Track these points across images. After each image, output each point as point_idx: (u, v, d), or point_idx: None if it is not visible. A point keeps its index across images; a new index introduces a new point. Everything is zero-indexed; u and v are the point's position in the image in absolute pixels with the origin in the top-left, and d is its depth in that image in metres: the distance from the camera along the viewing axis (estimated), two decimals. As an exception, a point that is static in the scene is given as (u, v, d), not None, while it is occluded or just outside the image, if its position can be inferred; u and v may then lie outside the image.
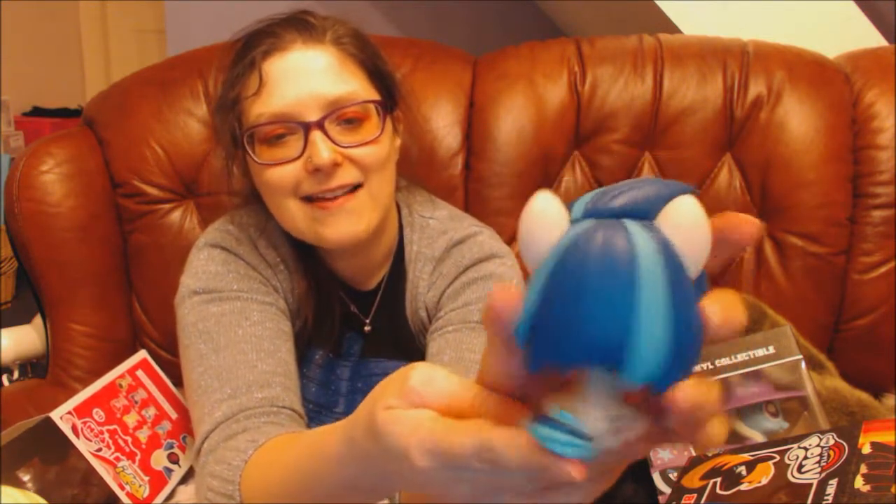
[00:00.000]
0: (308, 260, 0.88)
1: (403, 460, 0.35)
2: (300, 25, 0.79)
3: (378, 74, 0.83)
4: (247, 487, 0.66)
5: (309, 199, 0.78)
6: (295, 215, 0.80)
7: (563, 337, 0.29)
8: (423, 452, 0.34)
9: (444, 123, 1.18)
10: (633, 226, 0.28)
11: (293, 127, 0.77)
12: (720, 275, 1.18)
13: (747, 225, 0.30)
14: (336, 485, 0.47)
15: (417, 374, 0.36)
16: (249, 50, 0.79)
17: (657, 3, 1.42)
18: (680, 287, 0.28)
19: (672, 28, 1.43)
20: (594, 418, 0.30)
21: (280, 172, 0.77)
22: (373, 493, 0.46)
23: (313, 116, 0.76)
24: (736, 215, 0.31)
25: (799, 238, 1.13)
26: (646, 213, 0.29)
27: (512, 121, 1.17)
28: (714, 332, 0.29)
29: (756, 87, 1.15)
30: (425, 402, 0.35)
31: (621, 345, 0.28)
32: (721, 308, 0.29)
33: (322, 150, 0.75)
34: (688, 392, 0.28)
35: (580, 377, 0.31)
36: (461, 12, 2.17)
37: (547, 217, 0.30)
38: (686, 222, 0.28)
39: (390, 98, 0.85)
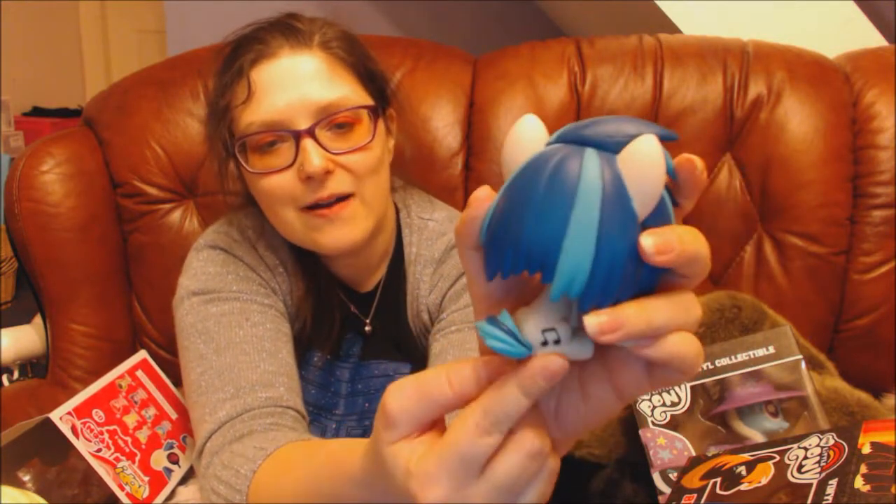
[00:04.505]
0: (307, 262, 0.87)
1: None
2: (287, 30, 0.78)
3: (368, 76, 0.82)
4: (255, 497, 0.65)
5: (305, 208, 0.78)
6: (292, 224, 0.79)
7: (507, 245, 0.31)
8: (428, 480, 0.34)
9: (444, 123, 1.18)
10: (591, 154, 0.31)
11: (284, 135, 0.76)
12: (720, 275, 1.18)
13: (688, 164, 0.32)
14: None
15: (389, 399, 0.36)
16: (237, 57, 0.78)
17: (657, 3, 1.42)
18: (615, 213, 0.30)
19: (672, 28, 1.43)
20: (530, 325, 0.32)
21: (274, 181, 0.77)
22: None
23: (304, 124, 0.75)
24: (684, 157, 0.32)
25: (799, 238, 1.13)
26: (611, 146, 0.31)
27: (512, 121, 1.16)
28: (649, 259, 0.30)
29: (756, 87, 1.15)
30: (411, 419, 0.35)
31: (552, 256, 0.30)
32: (655, 238, 0.30)
33: (314, 157, 0.74)
34: (597, 318, 0.30)
35: (541, 291, 0.34)
36: (461, 12, 2.17)
37: (525, 137, 0.32)
38: (638, 158, 0.30)
39: (382, 98, 0.84)
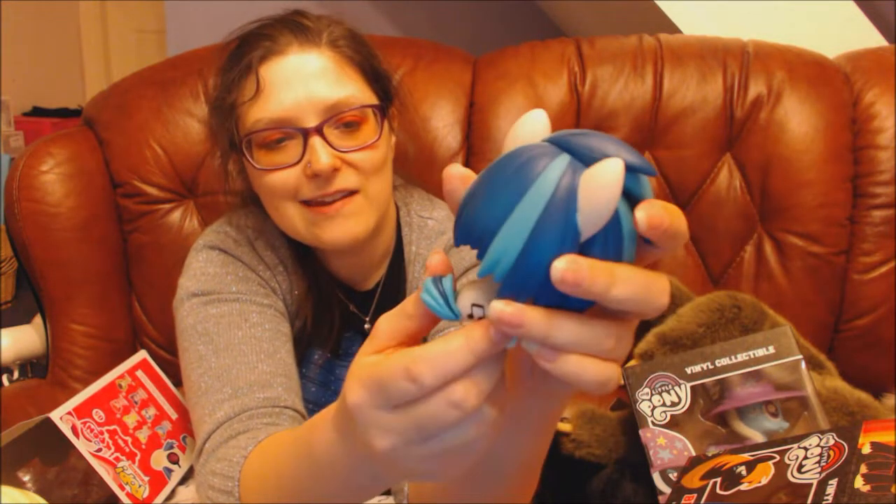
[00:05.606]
0: (307, 261, 0.88)
1: (345, 404, 0.36)
2: (295, 28, 0.78)
3: (374, 74, 0.83)
4: (245, 483, 0.66)
5: (307, 203, 0.78)
6: (293, 218, 0.79)
7: (460, 218, 0.34)
8: (356, 384, 0.35)
9: (444, 123, 1.18)
10: (562, 160, 0.31)
11: (292, 132, 0.76)
12: (720, 275, 1.18)
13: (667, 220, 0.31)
14: (326, 475, 0.46)
15: (379, 320, 0.39)
16: (245, 54, 0.78)
17: (657, 3, 1.42)
18: (555, 218, 0.31)
19: (672, 28, 1.43)
20: (464, 296, 0.34)
21: (279, 177, 0.77)
22: (363, 488, 0.46)
23: (312, 122, 0.75)
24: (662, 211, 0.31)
25: (799, 238, 1.13)
26: (586, 159, 0.31)
27: (512, 121, 1.16)
28: (556, 279, 0.30)
29: (756, 87, 1.15)
30: (384, 339, 0.37)
31: (489, 237, 0.32)
32: (566, 262, 0.29)
33: (322, 155, 0.74)
34: (504, 306, 0.31)
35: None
36: (461, 12, 2.17)
37: (525, 129, 0.34)
38: (595, 177, 0.30)
39: (386, 97, 0.85)
